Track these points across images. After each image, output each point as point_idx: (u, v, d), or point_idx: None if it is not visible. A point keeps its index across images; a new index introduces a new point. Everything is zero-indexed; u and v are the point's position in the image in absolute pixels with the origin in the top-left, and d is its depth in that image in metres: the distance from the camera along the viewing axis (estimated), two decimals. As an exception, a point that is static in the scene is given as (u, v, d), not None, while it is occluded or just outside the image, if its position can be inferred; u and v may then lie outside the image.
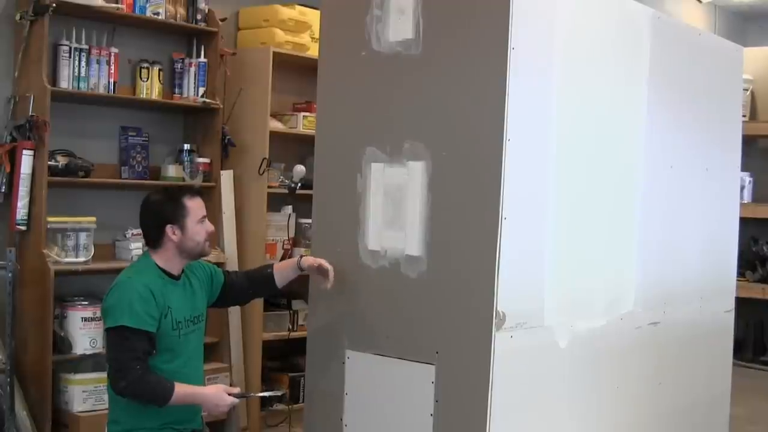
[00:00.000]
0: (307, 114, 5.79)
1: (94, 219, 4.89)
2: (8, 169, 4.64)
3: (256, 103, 5.54)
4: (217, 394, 3.35)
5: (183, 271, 3.52)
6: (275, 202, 5.70)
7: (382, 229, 3.46)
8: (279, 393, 3.60)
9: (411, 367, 3.35)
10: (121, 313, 3.26)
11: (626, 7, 3.87)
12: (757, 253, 8.30)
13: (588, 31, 3.61)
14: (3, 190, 4.65)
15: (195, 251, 3.46)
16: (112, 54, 5.01)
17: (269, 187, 5.56)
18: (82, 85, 4.89)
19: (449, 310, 3.27)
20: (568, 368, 3.57)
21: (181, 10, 5.29)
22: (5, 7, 4.78)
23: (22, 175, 4.61)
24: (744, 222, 5.04)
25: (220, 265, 5.28)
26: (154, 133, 5.37)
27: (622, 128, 3.87)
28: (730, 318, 4.79)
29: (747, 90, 8.19)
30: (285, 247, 5.67)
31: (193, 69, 5.38)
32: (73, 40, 4.86)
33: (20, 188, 4.61)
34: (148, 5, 5.10)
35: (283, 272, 3.70)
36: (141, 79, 5.19)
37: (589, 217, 3.68)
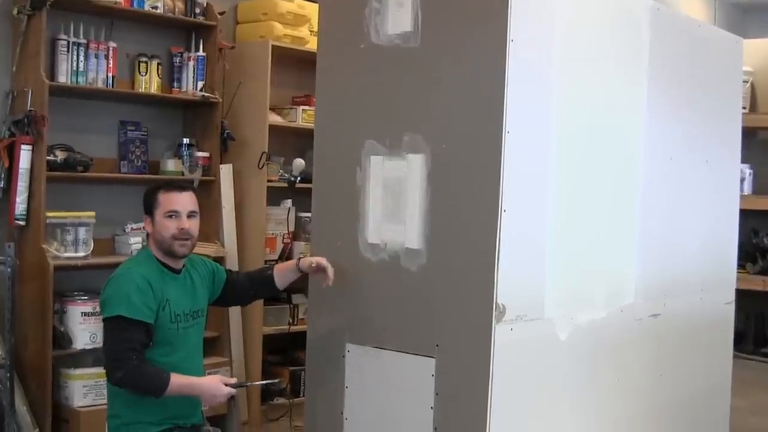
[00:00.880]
0: (306, 107, 5.79)
1: (93, 214, 4.89)
2: (7, 164, 4.63)
3: (256, 97, 5.53)
4: (214, 384, 3.35)
5: (184, 265, 3.52)
6: (275, 196, 5.69)
7: (382, 223, 3.45)
8: (276, 381, 3.59)
9: (411, 360, 3.35)
10: (118, 303, 3.26)
11: (625, -2, 3.86)
12: (757, 245, 8.30)
13: (587, 23, 3.60)
14: (2, 185, 4.65)
15: (164, 246, 3.43)
16: (111, 48, 5.00)
17: (269, 180, 5.55)
18: (81, 79, 4.89)
19: (449, 303, 3.26)
20: (568, 360, 3.57)
21: (180, 4, 5.28)
22: (3, 2, 4.77)
23: (20, 170, 4.61)
24: (744, 214, 5.04)
25: (219, 259, 5.30)
26: (153, 127, 5.37)
27: (621, 120, 3.86)
28: (731, 310, 4.78)
29: (747, 82, 8.19)
30: (285, 240, 5.67)
31: (191, 63, 5.37)
32: (71, 34, 4.86)
33: (19, 183, 4.61)
34: (146, -1, 5.10)
35: (283, 274, 3.70)
36: (140, 73, 5.19)
37: (589, 210, 3.67)
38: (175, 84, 5.37)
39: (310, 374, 3.74)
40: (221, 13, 5.50)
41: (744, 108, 6.79)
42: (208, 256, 5.04)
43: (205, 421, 3.61)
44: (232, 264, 5.46)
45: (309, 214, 3.94)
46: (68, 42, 4.83)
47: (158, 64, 5.24)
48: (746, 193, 8.06)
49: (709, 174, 4.49)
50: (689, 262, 4.35)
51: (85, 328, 4.75)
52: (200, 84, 5.36)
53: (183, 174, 5.25)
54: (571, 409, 3.63)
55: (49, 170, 4.68)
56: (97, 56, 4.94)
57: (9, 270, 4.33)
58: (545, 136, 3.39)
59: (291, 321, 5.71)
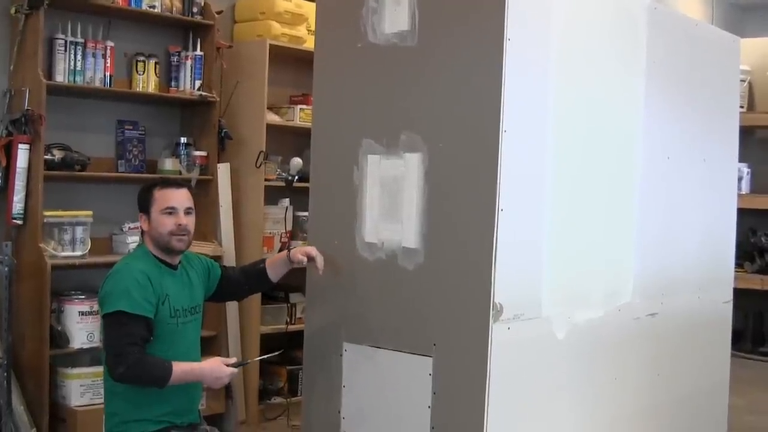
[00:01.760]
0: (303, 106, 5.78)
1: (90, 213, 4.88)
2: (4, 164, 4.63)
3: (253, 96, 5.53)
4: (215, 366, 3.35)
5: (180, 261, 3.52)
6: (272, 195, 5.69)
7: (379, 221, 3.45)
8: (275, 354, 3.60)
9: (408, 359, 3.35)
10: (118, 298, 3.26)
11: (623, -3, 3.86)
12: (755, 244, 8.31)
13: (584, 22, 3.60)
14: (-1, 185, 4.65)
15: (161, 242, 3.43)
16: (108, 47, 5.00)
17: (266, 179, 5.55)
18: (78, 78, 4.88)
19: (447, 302, 3.26)
20: (565, 359, 3.57)
21: (177, 3, 5.27)
22: (0, 1, 4.76)
23: (18, 169, 4.60)
24: (742, 213, 5.04)
25: (217, 258, 5.29)
26: (151, 126, 5.37)
27: (618, 119, 3.86)
28: (729, 309, 4.78)
29: (744, 81, 8.19)
30: (282, 239, 5.66)
31: (189, 62, 5.36)
32: (69, 33, 4.85)
33: (16, 182, 4.60)
34: (143, -2, 5.09)
35: (275, 266, 3.70)
36: (137, 72, 5.18)
37: (587, 208, 3.67)
38: (173, 83, 5.37)
39: (307, 373, 3.74)
40: (219, 12, 5.49)
41: (741, 107, 6.80)
42: (205, 255, 5.07)
43: (202, 420, 3.61)
44: (230, 263, 5.45)
45: (306, 213, 3.95)
46: (66, 41, 4.83)
47: (156, 63, 5.24)
48: (744, 192, 8.07)
49: (706, 173, 4.49)
50: (687, 261, 4.35)
51: (82, 328, 4.75)
52: (198, 83, 5.36)
53: (180, 173, 5.25)
54: (568, 407, 3.63)
55: (46, 169, 4.68)
56: (94, 55, 4.94)
57: (6, 269, 4.33)
58: (542, 135, 3.39)
59: (288, 320, 5.71)
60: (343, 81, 3.62)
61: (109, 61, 4.99)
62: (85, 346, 4.76)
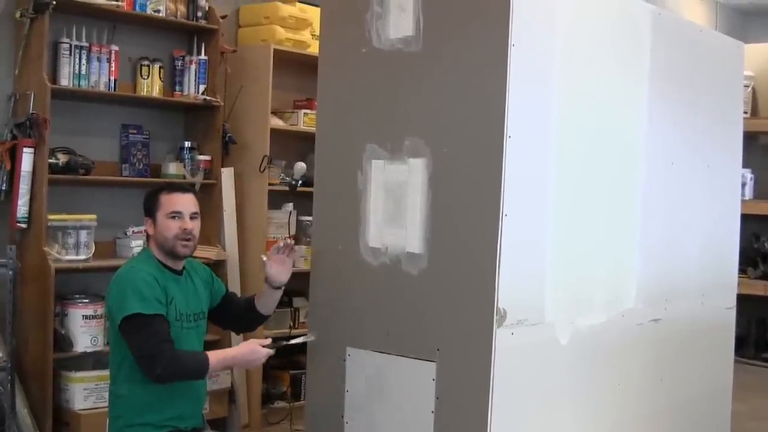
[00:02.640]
0: (307, 111, 5.79)
1: (94, 217, 4.89)
2: (9, 167, 4.64)
3: (257, 101, 5.54)
4: (251, 350, 3.40)
5: (184, 267, 3.52)
6: (276, 200, 5.70)
7: (383, 226, 3.45)
8: (311, 338, 3.59)
9: (412, 364, 3.35)
10: (132, 302, 3.26)
11: (627, 3, 3.86)
12: (758, 250, 8.31)
13: (588, 28, 3.61)
14: (3, 188, 4.65)
15: (166, 246, 3.44)
16: (113, 52, 5.01)
17: (270, 184, 5.56)
18: (83, 82, 4.89)
19: (450, 307, 3.26)
20: (568, 365, 3.57)
21: (182, 8, 5.29)
22: (6, 5, 4.78)
23: (22, 173, 4.61)
24: (745, 219, 5.04)
25: (220, 262, 5.31)
26: (155, 130, 5.38)
27: (622, 125, 3.86)
28: (732, 315, 4.78)
29: (748, 86, 8.19)
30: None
31: (193, 66, 5.38)
32: (74, 37, 4.86)
33: (21, 186, 4.61)
34: (148, 3, 5.10)
35: (260, 296, 3.70)
36: (141, 76, 5.19)
37: (590, 214, 3.67)
38: (177, 87, 5.38)
39: (310, 378, 3.74)
40: (223, 17, 5.51)
41: (745, 112, 6.80)
42: (209, 259, 5.08)
43: (206, 425, 3.61)
44: (233, 267, 5.46)
45: (310, 218, 3.94)
46: (70, 45, 4.84)
47: (160, 67, 5.25)
48: (747, 198, 8.07)
49: (710, 178, 4.49)
50: (690, 267, 4.35)
51: (86, 331, 4.75)
52: (202, 87, 5.37)
53: (185, 177, 5.26)
54: (571, 413, 3.63)
55: (50, 173, 4.69)
56: (99, 59, 4.95)
57: (10, 272, 4.33)
58: (546, 140, 3.40)
59: (292, 324, 5.71)
60: (348, 86, 3.62)
61: (113, 65, 5.00)
62: (88, 350, 4.76)
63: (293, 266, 3.69)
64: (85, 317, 4.76)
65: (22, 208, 4.63)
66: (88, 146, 5.03)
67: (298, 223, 5.76)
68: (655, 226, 4.06)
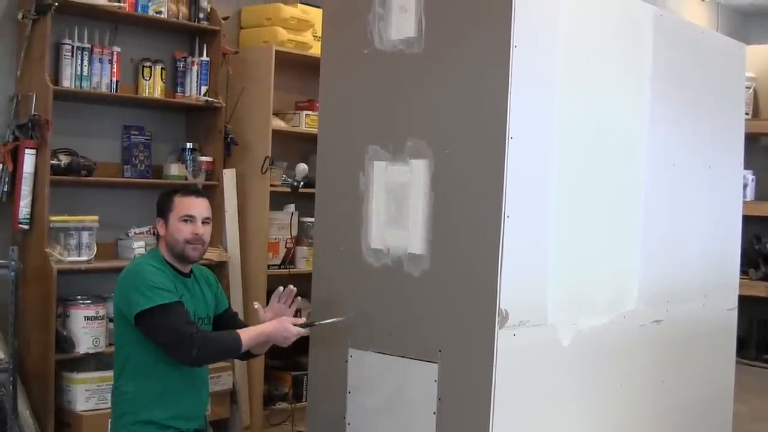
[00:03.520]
0: (309, 112, 5.79)
1: (96, 218, 4.89)
2: (11, 168, 4.63)
3: (259, 102, 5.54)
4: (283, 327, 3.40)
5: (192, 272, 3.53)
6: (278, 201, 5.70)
7: (385, 228, 3.46)
8: (342, 319, 3.55)
9: (414, 365, 3.35)
10: (151, 295, 3.27)
11: (629, 5, 3.86)
12: (759, 252, 8.30)
13: (590, 29, 3.61)
14: (5, 189, 4.65)
15: (176, 249, 3.44)
16: (115, 53, 5.01)
17: (272, 185, 5.56)
18: (85, 84, 4.89)
19: (452, 309, 3.27)
20: (570, 366, 3.57)
21: (184, 9, 5.29)
22: (8, 6, 4.78)
23: (24, 174, 4.61)
24: (747, 220, 5.04)
25: (222, 264, 5.31)
26: (157, 131, 5.38)
27: (624, 126, 3.86)
28: (733, 316, 4.78)
29: (749, 88, 8.19)
30: (287, 245, 5.67)
31: (195, 68, 5.37)
32: (76, 39, 4.86)
33: (23, 187, 4.61)
34: (150, 4, 5.10)
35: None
36: (143, 77, 5.19)
37: (592, 215, 3.67)
38: (179, 89, 5.38)
39: (312, 379, 3.74)
40: (225, 18, 5.51)
41: (746, 114, 6.80)
42: (211, 261, 5.08)
43: (208, 426, 3.61)
44: (235, 269, 5.46)
45: (312, 219, 3.95)
46: (72, 46, 4.84)
47: (162, 68, 5.25)
48: (749, 199, 8.07)
49: (711, 180, 4.49)
50: (692, 268, 4.35)
51: (88, 332, 4.75)
52: (204, 89, 5.37)
53: (186, 178, 5.26)
54: (573, 414, 3.63)
55: (52, 174, 4.68)
56: (101, 61, 4.95)
57: (12, 274, 4.33)
58: (548, 141, 3.40)
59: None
60: (350, 87, 3.63)
61: (115, 66, 5.00)
62: (90, 351, 4.76)
63: (295, 314, 3.61)
64: (87, 318, 4.76)
65: (24, 209, 4.63)
66: (89, 147, 5.03)
67: (300, 224, 5.77)
68: (657, 227, 4.06)
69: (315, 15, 5.70)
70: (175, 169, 5.31)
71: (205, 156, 5.39)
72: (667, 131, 4.10)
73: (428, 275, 3.34)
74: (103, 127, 5.18)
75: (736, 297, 4.79)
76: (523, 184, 3.23)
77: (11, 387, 4.36)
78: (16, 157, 4.64)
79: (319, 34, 4.18)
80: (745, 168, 5.12)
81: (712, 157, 4.50)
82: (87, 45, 4.90)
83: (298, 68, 5.84)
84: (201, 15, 5.35)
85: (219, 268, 5.23)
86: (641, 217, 3.97)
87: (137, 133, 5.25)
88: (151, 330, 3.29)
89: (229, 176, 5.52)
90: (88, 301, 4.81)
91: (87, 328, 4.75)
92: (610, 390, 3.82)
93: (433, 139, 3.33)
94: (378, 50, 3.50)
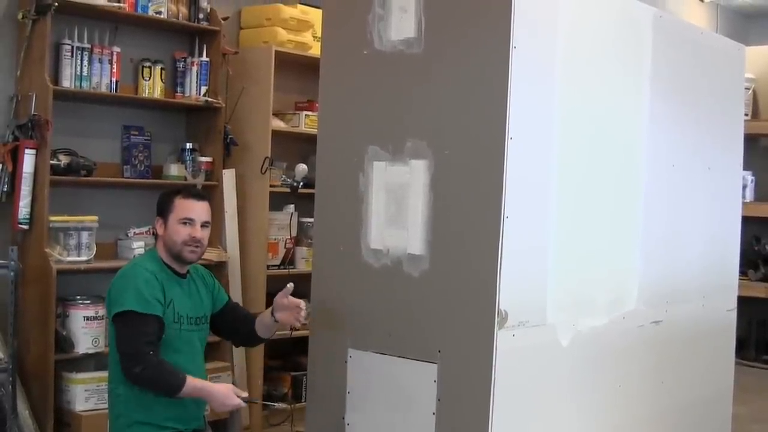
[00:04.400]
0: (309, 113, 5.80)
1: (96, 218, 4.90)
2: (10, 168, 4.64)
3: (258, 102, 5.54)
4: (226, 392, 3.36)
5: (188, 272, 3.53)
6: (277, 201, 5.70)
7: (385, 228, 3.46)
8: (284, 406, 3.61)
9: (413, 365, 3.35)
10: (128, 298, 3.27)
11: (628, 6, 3.87)
12: (759, 252, 8.30)
13: (590, 30, 3.61)
14: (5, 189, 4.66)
15: (173, 250, 3.44)
16: (114, 53, 5.01)
17: (271, 185, 5.56)
18: (84, 84, 4.89)
19: (451, 309, 3.27)
20: (570, 367, 3.57)
21: (183, 9, 5.29)
22: (8, 6, 4.78)
23: (24, 174, 4.62)
24: (746, 221, 5.04)
25: (222, 264, 5.31)
26: (157, 132, 5.38)
27: (623, 127, 3.86)
28: (733, 317, 4.78)
29: (749, 89, 8.19)
30: (287, 246, 5.67)
31: (195, 68, 5.38)
32: (75, 39, 4.87)
33: (22, 187, 4.62)
34: (150, 4, 5.11)
35: (262, 318, 3.64)
36: (143, 78, 5.20)
37: (591, 216, 3.67)
38: (179, 89, 5.38)
39: (311, 379, 3.74)
40: (225, 19, 5.51)
41: (746, 115, 6.80)
42: (210, 261, 5.08)
43: (207, 427, 3.61)
44: (235, 269, 5.46)
45: (311, 220, 3.94)
46: (72, 47, 4.84)
47: (162, 69, 5.25)
48: (748, 200, 8.07)
49: (711, 181, 4.50)
50: (691, 269, 4.35)
51: (87, 332, 4.75)
52: (203, 89, 5.37)
53: (186, 179, 5.26)
54: (572, 414, 3.63)
55: (52, 174, 4.69)
56: (100, 61, 4.95)
57: (12, 274, 4.33)
58: (548, 142, 3.40)
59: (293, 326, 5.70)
60: (349, 88, 3.62)
61: (115, 66, 5.01)
62: (90, 351, 4.77)
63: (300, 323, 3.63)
64: (87, 318, 4.76)
65: (23, 209, 4.63)
66: (89, 147, 5.03)
67: (300, 224, 5.77)
68: (656, 228, 4.06)
69: (315, 15, 5.70)
70: (174, 170, 5.31)
71: (204, 156, 5.40)
72: (667, 132, 4.10)
73: (428, 276, 3.34)
74: (102, 128, 5.18)
75: (736, 298, 4.79)
76: (522, 185, 3.23)
77: (11, 387, 4.36)
78: (15, 157, 4.64)
79: (319, 34, 4.18)
80: (745, 169, 5.11)
81: (712, 158, 4.51)
82: (87, 45, 4.90)
83: (297, 69, 5.84)
84: (201, 15, 5.35)
85: (218, 269, 5.24)
86: (641, 218, 3.97)
87: (137, 133, 5.25)
88: (117, 333, 3.31)
89: (228, 176, 5.52)
90: (88, 301, 4.82)
91: (86, 328, 4.76)
92: (609, 390, 3.82)
93: (433, 140, 3.33)
94: (378, 51, 3.50)
